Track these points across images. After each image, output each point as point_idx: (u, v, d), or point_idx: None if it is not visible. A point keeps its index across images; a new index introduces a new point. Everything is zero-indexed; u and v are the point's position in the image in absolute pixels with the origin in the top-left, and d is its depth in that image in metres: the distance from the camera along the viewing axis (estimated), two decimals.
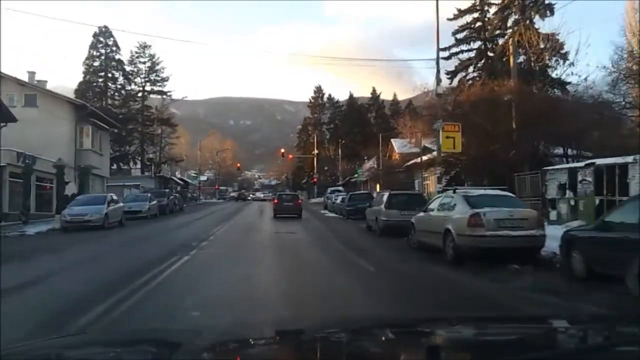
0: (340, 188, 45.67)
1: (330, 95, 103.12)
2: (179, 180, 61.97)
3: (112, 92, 63.79)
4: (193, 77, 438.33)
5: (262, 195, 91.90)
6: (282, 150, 68.69)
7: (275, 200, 33.10)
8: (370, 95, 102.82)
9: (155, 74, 67.64)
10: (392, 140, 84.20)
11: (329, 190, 44.41)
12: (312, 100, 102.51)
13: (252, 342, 2.17)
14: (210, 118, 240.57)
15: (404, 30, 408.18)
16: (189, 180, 72.48)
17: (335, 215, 34.77)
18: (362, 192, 34.37)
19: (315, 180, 70.41)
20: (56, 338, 2.43)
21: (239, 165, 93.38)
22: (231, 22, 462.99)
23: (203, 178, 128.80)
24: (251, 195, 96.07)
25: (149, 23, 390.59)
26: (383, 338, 2.19)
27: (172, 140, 71.32)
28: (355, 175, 57.87)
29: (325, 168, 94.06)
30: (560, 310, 7.38)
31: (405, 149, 69.37)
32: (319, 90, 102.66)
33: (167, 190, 41.85)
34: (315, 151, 72.51)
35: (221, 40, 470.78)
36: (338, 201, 34.95)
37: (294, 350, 2.08)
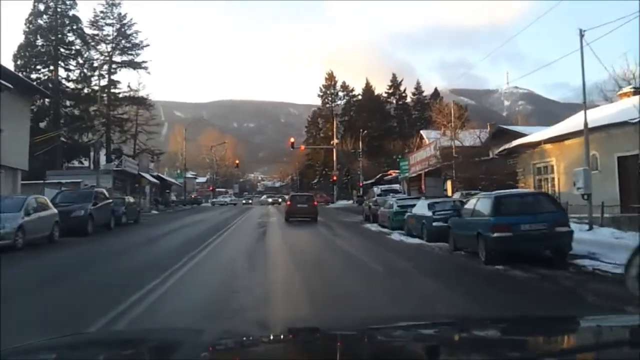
0: (397, 186, 26.39)
1: (344, 82, 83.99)
2: (152, 178, 42.77)
3: (63, 59, 44.50)
4: (197, 79, 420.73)
5: (227, 200, 69.32)
6: (292, 140, 49.63)
7: (288, 202, 27.40)
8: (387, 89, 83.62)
9: (125, 39, 48.59)
10: (422, 132, 66.11)
11: (376, 190, 25.31)
12: (324, 89, 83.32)
13: (252, 342, 2.02)
14: (213, 120, 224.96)
15: (403, 32, 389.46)
16: (172, 180, 53.08)
17: (420, 241, 15.30)
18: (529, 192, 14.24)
19: (334, 178, 51.05)
20: (56, 338, 2.11)
21: (237, 162, 73.88)
22: (234, 25, 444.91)
23: (202, 179, 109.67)
24: (211, 200, 70.20)
25: (150, 21, 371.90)
26: (386, 338, 2.01)
27: (150, 128, 52.22)
28: (398, 172, 38.54)
29: (338, 166, 74.89)
30: None
31: (440, 141, 51.94)
32: (331, 77, 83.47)
33: (96, 190, 22.52)
34: (335, 140, 53.01)
35: (224, 42, 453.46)
36: (427, 213, 15.42)
37: (293, 349, 1.93)
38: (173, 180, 52.63)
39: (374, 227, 21.60)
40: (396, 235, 17.26)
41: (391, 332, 2.10)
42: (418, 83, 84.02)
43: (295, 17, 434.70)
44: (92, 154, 32.36)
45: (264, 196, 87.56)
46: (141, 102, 48.80)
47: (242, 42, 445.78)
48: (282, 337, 2.14)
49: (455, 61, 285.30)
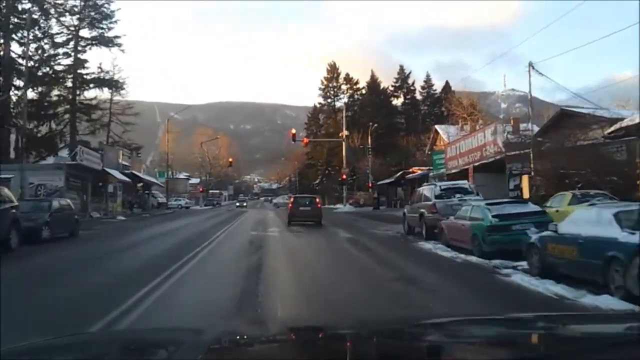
0: (466, 183, 17.02)
1: (348, 75, 74.97)
2: (122, 176, 33.53)
3: (16, 30, 35.35)
4: (192, 81, 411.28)
5: (182, 202, 51.56)
6: (293, 131, 40.65)
7: (290, 205, 23.90)
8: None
9: (95, 11, 39.54)
10: (436, 126, 57.63)
11: (430, 190, 15.79)
12: (325, 82, 74.34)
13: (252, 341, 1.91)
14: (210, 122, 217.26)
15: (403, 33, 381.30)
16: (152, 179, 43.28)
17: (625, 304, 6.35)
18: None
19: (344, 177, 41.76)
20: (56, 338, 2.00)
21: (231, 160, 64.65)
22: (229, 26, 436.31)
23: (196, 180, 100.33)
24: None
25: (146, 23, 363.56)
26: (385, 339, 1.88)
27: (127, 119, 43.05)
28: (427, 168, 29.45)
29: (337, 167, 65.98)
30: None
31: (460, 137, 44.35)
32: (333, 69, 74.54)
33: None
34: (345, 132, 43.77)
35: (220, 44, 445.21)
36: (630, 237, 6.57)
37: (292, 349, 1.84)
38: (153, 180, 43.25)
39: (439, 248, 12.66)
40: (523, 278, 8.26)
41: (395, 333, 1.96)
42: (428, 76, 75.26)
43: (292, 18, 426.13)
44: (12, 136, 23.26)
45: (281, 197, 75.23)
46: (111, 85, 39.64)
47: (238, 43, 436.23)
48: (282, 336, 2.02)
49: (452, 63, 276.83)
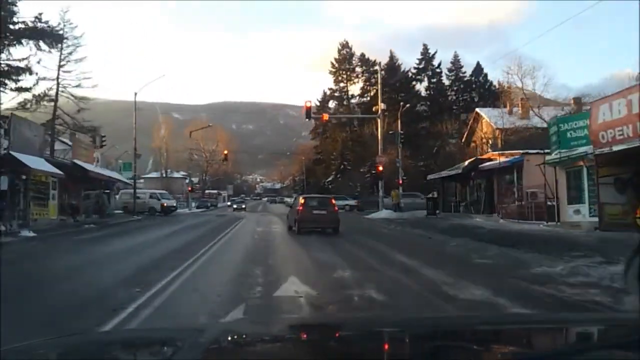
0: None
1: (363, 55, 62.22)
2: (47, 166, 20.62)
3: None
4: (195, 81, 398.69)
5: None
6: (308, 105, 28.09)
7: (300, 208, 18.58)
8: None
9: None
10: (478, 109, 45.41)
11: None
12: (336, 64, 61.69)
13: (252, 341, 1.82)
14: (211, 122, 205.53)
15: (402, 33, 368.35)
16: (110, 174, 29.59)
17: None
18: None
19: (380, 169, 28.55)
20: (56, 338, 1.92)
21: (226, 153, 51.82)
22: (231, 26, 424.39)
23: (194, 180, 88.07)
24: None
25: (148, 23, 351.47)
26: (381, 338, 1.77)
27: (83, 92, 30.49)
28: (550, 151, 16.47)
29: (353, 161, 53.49)
30: None
31: (513, 119, 32.62)
32: (345, 48, 61.93)
33: None
34: (380, 105, 30.60)
35: (222, 43, 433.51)
36: None
37: (293, 348, 1.76)
38: (118, 177, 30.22)
39: None
40: None
41: (378, 332, 1.84)
42: (456, 56, 62.33)
43: (293, 18, 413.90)
44: None
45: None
46: (52, 39, 26.98)
47: (240, 43, 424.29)
48: (283, 336, 1.90)
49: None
